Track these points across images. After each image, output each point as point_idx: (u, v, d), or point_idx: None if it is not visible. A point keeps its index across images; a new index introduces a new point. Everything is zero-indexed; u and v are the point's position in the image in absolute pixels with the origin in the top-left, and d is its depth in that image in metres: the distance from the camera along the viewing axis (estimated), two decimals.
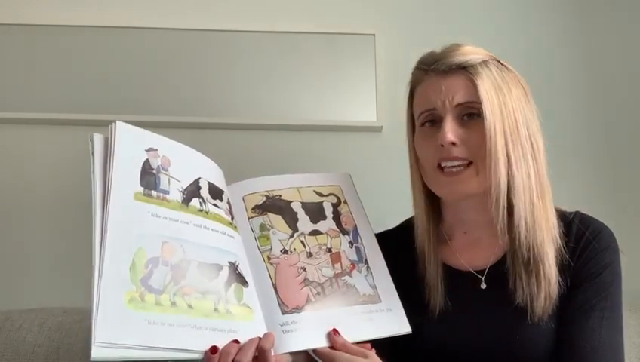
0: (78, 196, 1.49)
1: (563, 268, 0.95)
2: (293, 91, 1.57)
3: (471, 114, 0.94)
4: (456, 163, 0.94)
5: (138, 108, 1.52)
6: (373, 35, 1.60)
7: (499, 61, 0.98)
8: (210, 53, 1.57)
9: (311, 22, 1.60)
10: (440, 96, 0.95)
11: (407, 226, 1.09)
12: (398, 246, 1.07)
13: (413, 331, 0.94)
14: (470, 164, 0.94)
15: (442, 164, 0.95)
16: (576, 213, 1.01)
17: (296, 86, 1.57)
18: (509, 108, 0.93)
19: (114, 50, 1.54)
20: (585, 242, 0.97)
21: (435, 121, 0.97)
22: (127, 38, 1.55)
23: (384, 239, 1.07)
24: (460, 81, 0.94)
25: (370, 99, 1.58)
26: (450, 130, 0.93)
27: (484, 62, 0.95)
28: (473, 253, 1.01)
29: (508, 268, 0.96)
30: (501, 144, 0.91)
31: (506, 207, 0.92)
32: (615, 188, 1.61)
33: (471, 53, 0.96)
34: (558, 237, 0.95)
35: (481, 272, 1.00)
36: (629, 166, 1.63)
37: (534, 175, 0.94)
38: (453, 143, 0.93)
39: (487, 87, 0.92)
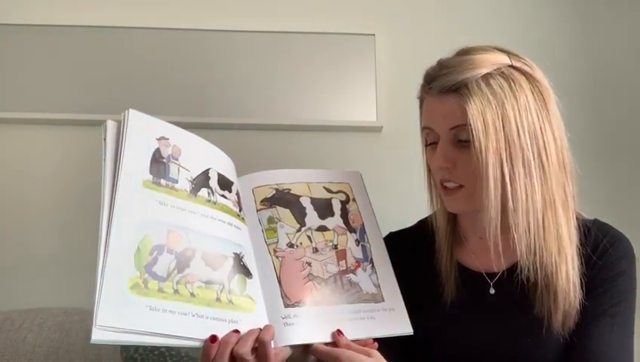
0: (79, 196, 1.49)
1: (581, 276, 0.94)
2: (293, 91, 1.57)
3: (465, 139, 0.91)
4: (450, 184, 0.95)
5: (138, 108, 1.49)
6: (373, 35, 1.60)
7: (511, 65, 0.93)
8: (210, 53, 1.57)
9: (311, 22, 1.61)
10: (435, 119, 0.94)
11: (424, 224, 1.09)
12: (416, 244, 1.07)
13: (424, 327, 0.94)
14: (462, 186, 0.94)
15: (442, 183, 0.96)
16: (595, 220, 1.01)
17: (296, 86, 1.58)
18: (511, 123, 0.89)
19: (114, 50, 1.55)
20: (601, 250, 0.96)
21: (436, 142, 0.96)
22: (127, 38, 1.55)
23: (401, 237, 1.07)
24: (451, 104, 0.91)
25: (370, 99, 1.58)
26: (442, 155, 0.93)
27: (485, 76, 0.90)
28: (489, 257, 0.99)
29: (517, 277, 0.94)
30: (492, 166, 0.88)
31: (499, 227, 0.90)
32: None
33: (470, 68, 0.90)
34: (575, 249, 0.93)
35: (494, 276, 1.00)
36: None
37: (540, 190, 0.91)
38: (446, 167, 0.93)
39: (479, 108, 0.88)
